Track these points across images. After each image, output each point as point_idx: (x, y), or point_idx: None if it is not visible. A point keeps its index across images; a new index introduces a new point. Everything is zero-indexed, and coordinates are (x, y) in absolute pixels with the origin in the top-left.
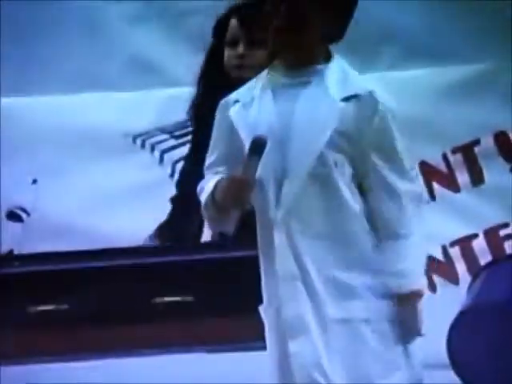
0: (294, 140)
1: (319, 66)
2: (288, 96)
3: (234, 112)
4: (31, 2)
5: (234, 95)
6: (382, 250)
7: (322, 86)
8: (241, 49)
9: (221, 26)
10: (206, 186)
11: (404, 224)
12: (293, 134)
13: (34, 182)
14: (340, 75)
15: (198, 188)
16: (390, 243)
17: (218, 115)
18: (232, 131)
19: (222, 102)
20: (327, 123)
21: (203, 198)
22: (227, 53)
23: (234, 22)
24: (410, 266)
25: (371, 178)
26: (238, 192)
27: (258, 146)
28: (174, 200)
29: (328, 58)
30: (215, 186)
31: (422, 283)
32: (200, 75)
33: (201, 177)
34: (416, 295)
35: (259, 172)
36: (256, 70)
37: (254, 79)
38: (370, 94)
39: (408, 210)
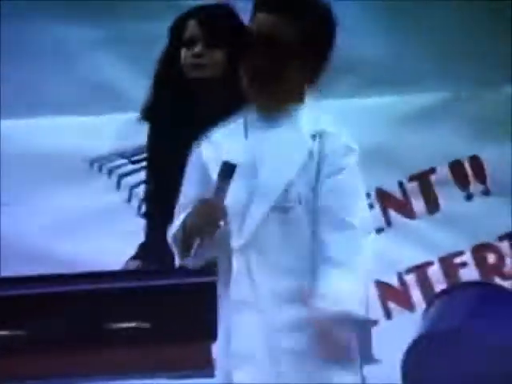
0: (261, 175)
1: (292, 108)
2: (259, 136)
3: (206, 152)
4: None
5: (210, 138)
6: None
7: (294, 127)
8: (198, 48)
9: (178, 28)
10: (177, 220)
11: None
12: (261, 169)
13: (4, 205)
14: (310, 116)
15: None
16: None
17: (192, 156)
18: (204, 172)
19: (196, 146)
20: (295, 160)
21: (173, 230)
22: (184, 53)
23: (192, 22)
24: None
25: (325, 214)
26: (209, 216)
27: (228, 169)
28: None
29: (301, 99)
30: (186, 215)
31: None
32: (155, 76)
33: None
34: (369, 323)
35: (234, 216)
36: (213, 70)
37: (232, 122)
38: (335, 134)
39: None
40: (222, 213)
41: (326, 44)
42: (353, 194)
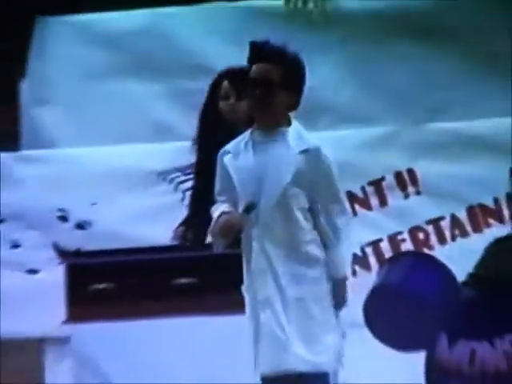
0: (266, 180)
1: (283, 129)
2: (262, 150)
3: (227, 160)
4: None
5: (227, 147)
6: (326, 252)
7: (285, 142)
8: (232, 100)
9: (215, 85)
10: (214, 214)
11: (336, 234)
12: (265, 176)
13: (94, 204)
14: (296, 135)
15: (212, 209)
16: (330, 247)
17: (218, 163)
18: (227, 174)
19: (220, 153)
20: (288, 169)
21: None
22: (222, 103)
23: (226, 83)
24: (341, 261)
25: (319, 205)
26: (228, 232)
27: (250, 207)
28: (188, 216)
29: (289, 122)
30: (217, 218)
31: (347, 272)
32: (201, 116)
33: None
34: (344, 279)
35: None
36: (242, 114)
37: (241, 136)
38: (318, 149)
39: (339, 227)
40: (239, 233)
41: (300, 81)
42: (338, 190)
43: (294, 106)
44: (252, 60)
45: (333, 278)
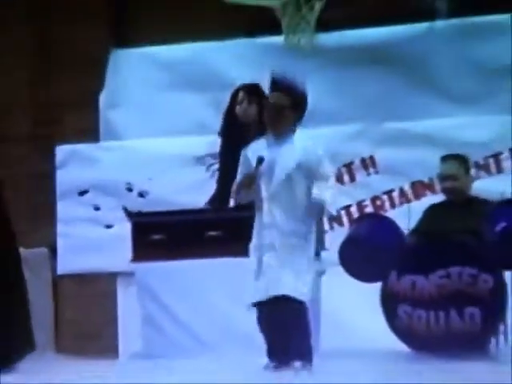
0: (276, 168)
1: (289, 135)
2: (274, 149)
3: (250, 155)
4: None
5: (250, 146)
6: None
7: (291, 144)
8: (244, 105)
9: (234, 95)
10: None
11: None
12: (276, 165)
13: (150, 179)
14: (298, 137)
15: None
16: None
17: (242, 156)
18: (249, 164)
19: (243, 150)
20: (292, 160)
21: (234, 186)
22: (238, 108)
23: (241, 93)
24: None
25: (316, 183)
26: (249, 180)
27: (259, 161)
28: (216, 188)
29: (294, 131)
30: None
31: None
32: (223, 117)
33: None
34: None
35: (262, 184)
36: (252, 115)
37: (259, 140)
38: (313, 145)
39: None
40: (254, 180)
41: (304, 105)
42: (329, 172)
43: (299, 120)
44: (271, 89)
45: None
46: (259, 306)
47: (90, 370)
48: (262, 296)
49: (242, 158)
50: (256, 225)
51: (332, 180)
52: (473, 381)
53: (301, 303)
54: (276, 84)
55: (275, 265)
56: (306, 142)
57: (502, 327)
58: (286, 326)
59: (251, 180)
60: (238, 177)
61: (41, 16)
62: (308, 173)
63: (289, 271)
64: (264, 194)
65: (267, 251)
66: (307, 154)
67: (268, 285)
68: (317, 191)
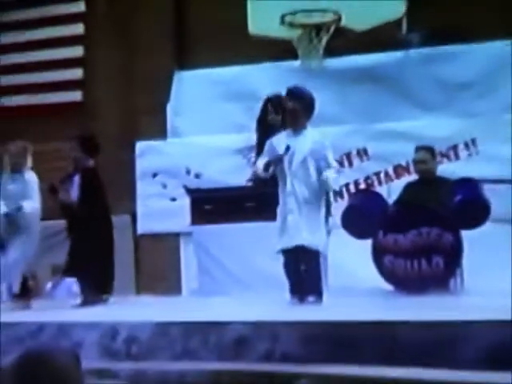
0: (295, 154)
1: (303, 129)
2: (292, 139)
3: (275, 143)
4: None
5: (275, 137)
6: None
7: (304, 137)
8: (272, 115)
9: (265, 105)
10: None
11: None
12: (295, 151)
13: (203, 165)
14: (310, 133)
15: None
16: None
17: (268, 145)
18: (273, 149)
19: (269, 140)
20: (307, 148)
21: (260, 166)
22: (270, 117)
23: (270, 105)
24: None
25: (322, 167)
26: (276, 163)
27: (287, 148)
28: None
29: (306, 127)
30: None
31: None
32: (258, 121)
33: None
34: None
35: (286, 164)
36: (278, 122)
37: (280, 134)
38: (321, 138)
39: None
40: (281, 161)
41: (312, 108)
42: (332, 160)
43: (309, 119)
44: (287, 98)
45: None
46: (285, 253)
47: (161, 303)
48: (286, 245)
49: (267, 146)
50: (280, 195)
51: (335, 165)
52: (439, 307)
53: (316, 252)
54: (291, 93)
55: (295, 223)
56: (316, 135)
57: (458, 271)
58: (304, 269)
59: (276, 161)
60: (265, 159)
61: (125, 49)
62: (318, 156)
63: (305, 228)
64: (287, 171)
65: (289, 213)
66: (317, 143)
67: (291, 237)
68: (325, 173)
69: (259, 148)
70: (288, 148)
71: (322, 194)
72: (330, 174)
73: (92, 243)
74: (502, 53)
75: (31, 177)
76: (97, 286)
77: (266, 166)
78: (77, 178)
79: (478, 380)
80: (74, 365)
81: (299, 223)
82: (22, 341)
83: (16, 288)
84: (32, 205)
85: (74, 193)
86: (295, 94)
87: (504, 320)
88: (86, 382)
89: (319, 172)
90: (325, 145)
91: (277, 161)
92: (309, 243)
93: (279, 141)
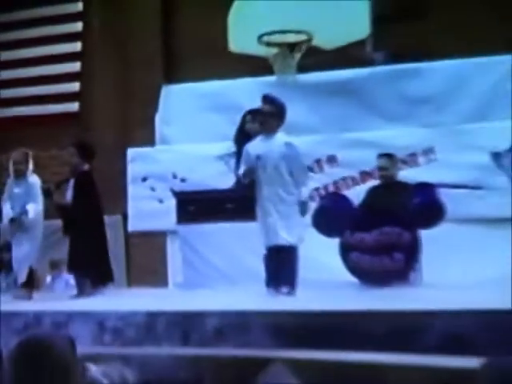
0: (268, 158)
1: (274, 134)
2: (265, 143)
3: (249, 149)
4: None
5: (250, 144)
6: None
7: (276, 139)
8: (250, 124)
9: (244, 117)
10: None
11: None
12: (267, 156)
13: (189, 170)
14: (280, 137)
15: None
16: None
17: (244, 151)
18: (249, 155)
19: (245, 146)
20: (278, 152)
21: (241, 171)
22: (247, 124)
23: (249, 116)
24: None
25: (294, 172)
26: (251, 171)
27: (257, 157)
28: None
29: (276, 131)
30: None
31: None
32: (236, 133)
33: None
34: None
35: (260, 170)
36: (256, 130)
37: (255, 139)
38: (291, 143)
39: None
40: (255, 169)
41: (284, 114)
42: (304, 164)
43: (280, 125)
44: (262, 102)
45: (300, 199)
46: (267, 250)
47: (149, 295)
48: (268, 244)
49: (244, 152)
50: (258, 197)
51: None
52: (399, 298)
53: (294, 248)
54: (266, 100)
55: (273, 224)
56: (285, 138)
57: (417, 266)
58: (281, 263)
59: (253, 170)
60: (242, 166)
61: (118, 65)
62: (289, 159)
63: (283, 227)
64: (261, 176)
65: (268, 215)
66: (287, 146)
67: (271, 238)
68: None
69: (238, 155)
70: (258, 157)
71: (296, 194)
72: (303, 178)
73: (86, 240)
74: (458, 70)
75: (34, 180)
76: (96, 279)
77: (244, 175)
78: (72, 182)
79: (435, 364)
80: (70, 349)
81: (277, 224)
82: (24, 329)
83: (23, 278)
84: (36, 207)
85: (69, 195)
86: (268, 99)
87: (459, 310)
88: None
89: (291, 174)
90: (295, 146)
91: (251, 168)
92: (287, 242)
93: (254, 147)
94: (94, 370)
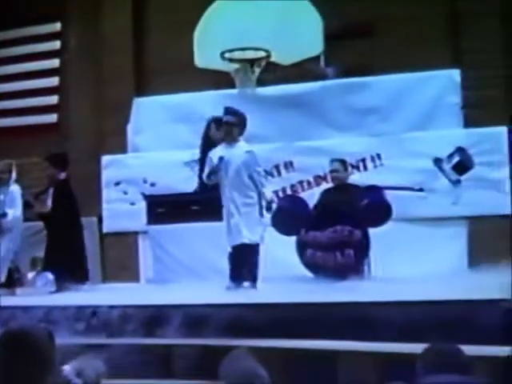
0: (230, 165)
1: (236, 143)
2: (228, 150)
3: (212, 156)
4: None
5: (213, 150)
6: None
7: (237, 147)
8: (214, 131)
9: (208, 125)
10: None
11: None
12: (229, 161)
13: (157, 175)
14: (242, 145)
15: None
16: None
17: (208, 157)
18: (212, 161)
19: (209, 152)
20: (240, 158)
21: (205, 176)
22: (211, 132)
23: (213, 124)
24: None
25: (253, 176)
26: (214, 172)
27: (220, 159)
28: (199, 183)
29: (238, 139)
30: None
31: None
32: (201, 141)
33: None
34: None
35: (223, 173)
36: (219, 137)
37: (219, 146)
38: (252, 150)
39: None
40: (218, 171)
41: (244, 124)
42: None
43: (242, 133)
44: (224, 114)
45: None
46: (232, 248)
47: (122, 290)
48: (232, 243)
49: (208, 158)
50: (223, 200)
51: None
52: (350, 291)
53: (255, 245)
54: (228, 111)
55: (236, 224)
56: (246, 146)
57: (366, 261)
58: (243, 260)
59: (215, 171)
60: (206, 169)
61: (93, 79)
62: (249, 164)
63: (245, 227)
64: (224, 180)
65: (231, 216)
66: (248, 153)
67: (234, 237)
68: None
69: (202, 161)
70: (221, 158)
71: (255, 197)
72: (266, 190)
73: (65, 242)
74: (401, 84)
75: (15, 189)
76: (72, 276)
77: (208, 176)
78: (51, 190)
79: (383, 349)
80: (48, 340)
81: (239, 224)
82: (8, 321)
83: (3, 278)
84: (15, 212)
85: (49, 203)
86: (231, 110)
87: (404, 301)
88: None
89: (251, 178)
90: (254, 153)
91: (215, 170)
92: (249, 240)
93: (217, 153)
94: (67, 370)
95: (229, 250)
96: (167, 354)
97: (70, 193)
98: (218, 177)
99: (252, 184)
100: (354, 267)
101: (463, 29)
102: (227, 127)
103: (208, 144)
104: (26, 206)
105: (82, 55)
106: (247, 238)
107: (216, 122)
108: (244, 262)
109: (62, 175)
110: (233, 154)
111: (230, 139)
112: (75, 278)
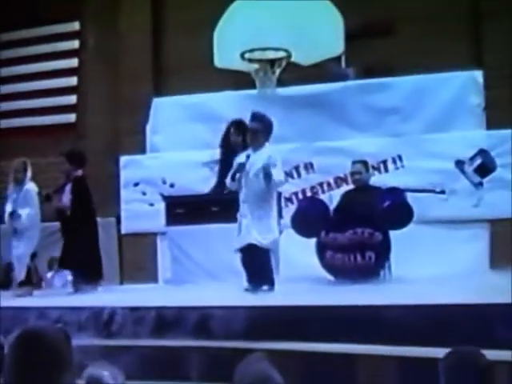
0: (252, 169)
1: (262, 148)
2: (252, 155)
3: (239, 159)
4: None
5: (239, 156)
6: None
7: (262, 153)
8: (234, 136)
9: (228, 128)
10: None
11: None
12: (252, 165)
13: (176, 176)
14: (267, 150)
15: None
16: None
17: (235, 161)
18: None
19: (236, 157)
20: (262, 162)
21: (228, 182)
22: (232, 137)
23: (233, 128)
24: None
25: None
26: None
27: (240, 165)
28: (216, 181)
29: (264, 145)
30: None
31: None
32: (221, 143)
33: (223, 175)
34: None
35: (243, 176)
36: (239, 142)
37: (245, 152)
38: (274, 155)
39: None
40: (240, 169)
41: (270, 129)
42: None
43: (267, 140)
44: (251, 120)
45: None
46: (241, 251)
47: (141, 290)
48: (240, 244)
49: (234, 163)
50: (240, 202)
51: (282, 177)
52: (371, 293)
53: (265, 249)
54: (254, 117)
55: (247, 226)
56: (271, 152)
57: (387, 263)
58: (257, 263)
59: (241, 168)
60: (230, 175)
61: (111, 79)
62: (267, 167)
63: (256, 229)
64: (243, 183)
65: (243, 217)
66: (269, 158)
67: (243, 237)
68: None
69: (222, 163)
70: (248, 156)
71: (273, 202)
72: (276, 175)
73: (80, 240)
74: (421, 84)
75: (30, 187)
76: (87, 277)
77: (233, 175)
78: (68, 186)
79: (403, 353)
80: (65, 341)
81: (250, 226)
82: (26, 322)
83: (22, 277)
84: (29, 211)
85: (66, 198)
86: (257, 116)
87: (425, 304)
88: (75, 357)
89: (268, 176)
90: (276, 160)
91: (240, 168)
92: (258, 242)
93: (241, 159)
94: (106, 375)
95: (236, 252)
96: (183, 355)
97: (87, 190)
98: (240, 178)
99: (268, 188)
100: (375, 269)
101: (484, 28)
102: (252, 133)
103: (227, 147)
104: (47, 199)
105: (99, 54)
106: (257, 239)
107: (235, 125)
108: (255, 265)
109: (79, 172)
110: (256, 159)
111: (256, 145)
112: (90, 279)
